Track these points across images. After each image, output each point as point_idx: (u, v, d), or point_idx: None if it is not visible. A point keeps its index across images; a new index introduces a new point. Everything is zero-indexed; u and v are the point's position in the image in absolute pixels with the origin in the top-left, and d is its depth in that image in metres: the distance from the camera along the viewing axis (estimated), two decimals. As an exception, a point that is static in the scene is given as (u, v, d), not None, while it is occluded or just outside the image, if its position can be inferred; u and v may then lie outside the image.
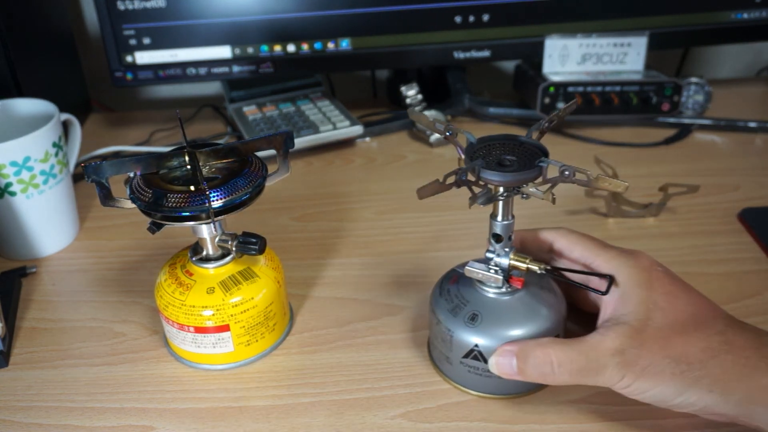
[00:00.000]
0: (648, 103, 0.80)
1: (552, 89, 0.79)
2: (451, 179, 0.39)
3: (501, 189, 0.42)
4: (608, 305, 0.42)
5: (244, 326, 0.48)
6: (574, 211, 0.67)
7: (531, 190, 0.41)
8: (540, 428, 0.44)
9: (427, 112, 0.83)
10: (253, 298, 0.48)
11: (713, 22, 0.84)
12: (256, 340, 0.49)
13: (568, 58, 0.81)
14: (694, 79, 0.84)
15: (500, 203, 0.42)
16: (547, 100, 0.80)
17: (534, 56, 0.83)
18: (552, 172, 0.40)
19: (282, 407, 0.46)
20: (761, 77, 1.03)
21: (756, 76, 1.05)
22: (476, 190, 0.41)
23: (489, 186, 0.41)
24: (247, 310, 0.48)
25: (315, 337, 0.52)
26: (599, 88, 0.79)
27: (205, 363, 0.50)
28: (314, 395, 0.47)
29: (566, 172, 0.39)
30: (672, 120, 0.82)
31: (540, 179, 0.40)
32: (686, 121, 0.82)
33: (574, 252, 0.45)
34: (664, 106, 0.80)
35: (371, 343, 0.51)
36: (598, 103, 0.80)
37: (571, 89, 0.79)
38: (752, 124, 0.81)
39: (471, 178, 0.40)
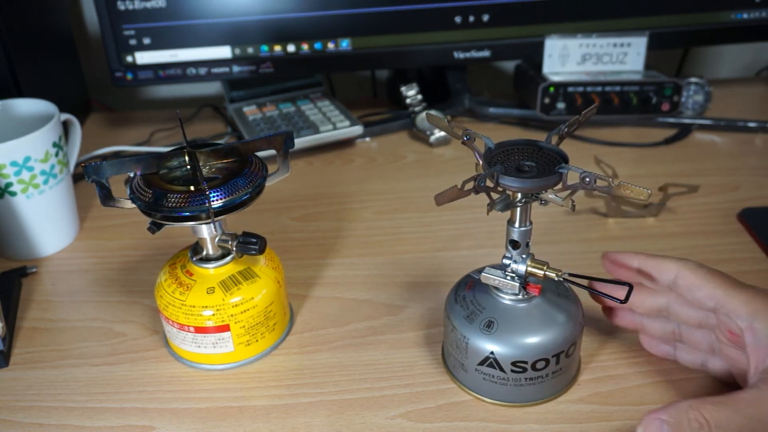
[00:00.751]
0: (648, 103, 0.80)
1: (552, 89, 0.79)
2: (470, 185, 0.39)
3: (519, 195, 0.41)
4: (756, 352, 0.38)
5: (244, 326, 0.48)
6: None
7: (550, 196, 0.41)
8: (540, 428, 0.44)
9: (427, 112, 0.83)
10: (253, 298, 0.48)
11: (713, 22, 0.84)
12: (256, 340, 0.49)
13: (568, 58, 0.81)
14: (694, 79, 0.84)
15: (518, 209, 0.42)
16: (547, 100, 0.80)
17: (534, 56, 0.83)
18: (572, 178, 0.39)
19: (282, 407, 0.46)
20: (761, 77, 1.03)
21: (756, 76, 1.05)
22: (494, 196, 0.41)
23: (507, 192, 0.41)
24: (247, 310, 0.48)
25: (315, 337, 0.52)
26: (599, 88, 0.79)
27: (205, 363, 0.50)
28: (314, 395, 0.47)
29: (587, 179, 0.38)
30: (672, 120, 0.82)
31: (560, 185, 0.39)
32: (686, 121, 0.82)
33: (702, 290, 0.42)
34: (664, 106, 0.80)
35: (371, 343, 0.51)
36: (598, 103, 0.80)
37: (571, 89, 0.79)
38: (752, 124, 0.81)
39: (489, 184, 0.39)
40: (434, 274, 0.59)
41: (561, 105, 0.80)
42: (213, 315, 0.47)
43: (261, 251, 0.47)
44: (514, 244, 0.43)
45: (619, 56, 0.81)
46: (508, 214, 0.42)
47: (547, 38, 0.80)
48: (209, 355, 0.49)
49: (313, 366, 0.50)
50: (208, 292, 0.47)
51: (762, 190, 0.69)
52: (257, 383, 0.48)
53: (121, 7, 0.78)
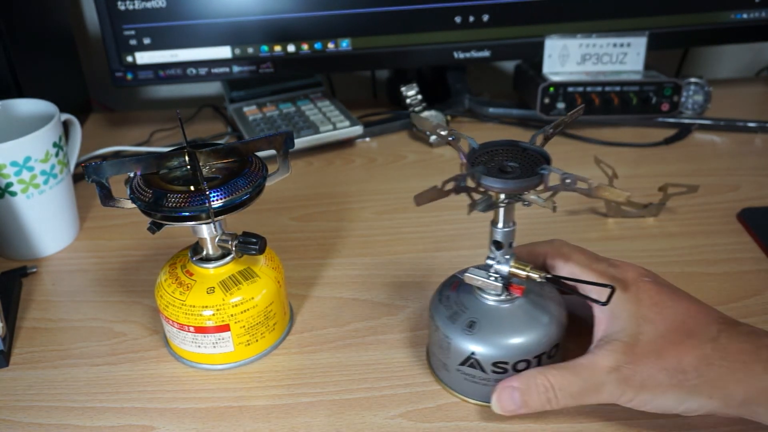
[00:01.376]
0: (648, 103, 0.80)
1: (552, 89, 0.79)
2: (450, 185, 0.39)
3: (502, 196, 0.41)
4: (600, 323, 0.42)
5: (244, 326, 0.48)
6: (573, 211, 0.67)
7: (532, 197, 0.41)
8: (540, 428, 0.44)
9: (426, 113, 0.83)
10: (253, 298, 0.48)
11: (713, 22, 0.84)
12: (256, 340, 0.49)
13: (568, 58, 0.81)
14: (693, 79, 0.84)
15: (501, 210, 0.42)
16: (546, 100, 0.80)
17: (534, 56, 0.83)
18: (554, 179, 0.39)
19: (282, 407, 0.46)
20: (761, 77, 1.03)
21: (756, 76, 1.05)
22: (476, 196, 0.41)
23: (490, 193, 0.41)
24: (248, 309, 0.48)
25: (315, 337, 0.52)
26: (599, 88, 0.79)
27: (205, 363, 0.50)
28: (314, 395, 0.47)
29: (567, 180, 0.38)
30: (672, 120, 0.83)
31: (542, 186, 0.40)
32: (686, 121, 0.82)
33: (564, 269, 0.45)
34: (664, 106, 0.80)
35: (371, 343, 0.51)
36: (598, 103, 0.80)
37: (571, 89, 0.79)
38: (752, 124, 0.81)
39: (471, 184, 0.40)
40: (434, 274, 0.58)
41: (561, 105, 0.80)
42: (213, 315, 0.47)
43: (261, 251, 0.47)
44: (497, 245, 0.43)
45: (619, 56, 0.81)
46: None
47: (547, 38, 0.80)
48: (209, 355, 0.49)
49: (313, 366, 0.50)
50: (208, 292, 0.47)
51: (762, 190, 0.69)
52: (257, 383, 0.48)
53: (121, 7, 0.78)
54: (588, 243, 0.61)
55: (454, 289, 0.46)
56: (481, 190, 0.40)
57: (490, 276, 0.44)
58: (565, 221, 0.65)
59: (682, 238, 0.62)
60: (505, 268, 0.43)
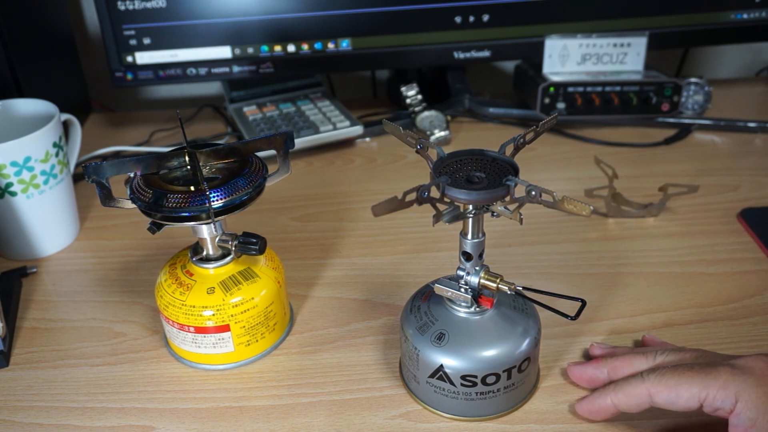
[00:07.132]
0: (648, 103, 0.80)
1: (552, 89, 0.79)
2: (412, 196, 0.37)
3: (469, 206, 0.40)
4: None
5: (244, 326, 0.48)
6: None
7: (500, 208, 0.40)
8: (540, 428, 0.44)
9: (427, 112, 0.83)
10: (253, 298, 0.48)
11: (713, 22, 0.84)
12: (257, 340, 0.49)
13: (568, 58, 0.81)
14: (693, 79, 0.84)
15: (470, 221, 0.41)
16: (547, 100, 0.80)
17: (534, 56, 0.83)
18: (520, 191, 0.38)
19: (282, 407, 0.46)
20: (761, 77, 1.03)
21: (756, 76, 1.05)
22: (442, 207, 0.40)
23: (457, 203, 0.40)
24: (248, 310, 0.48)
25: (315, 337, 0.52)
26: (599, 88, 0.79)
27: (205, 363, 0.50)
28: (314, 395, 0.47)
29: (532, 192, 0.37)
30: (672, 120, 0.83)
31: (508, 198, 0.39)
32: (686, 121, 0.82)
33: (682, 397, 0.39)
34: (664, 106, 0.80)
35: (371, 343, 0.51)
36: (598, 103, 0.80)
37: (571, 89, 0.79)
38: (752, 124, 0.81)
39: (436, 194, 0.38)
40: (434, 274, 0.58)
41: (561, 105, 0.80)
42: (213, 315, 0.47)
43: (261, 251, 0.47)
44: (467, 256, 0.42)
45: (619, 56, 0.81)
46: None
47: (547, 38, 0.80)
48: (209, 355, 0.49)
49: (313, 366, 0.50)
50: (208, 293, 0.47)
51: (762, 190, 0.69)
52: (257, 383, 0.48)
53: (121, 7, 0.78)
54: (588, 243, 0.62)
55: (426, 300, 0.46)
56: (446, 200, 0.39)
57: (461, 287, 0.43)
58: (565, 221, 0.65)
59: (682, 238, 0.62)
60: (474, 280, 0.42)
